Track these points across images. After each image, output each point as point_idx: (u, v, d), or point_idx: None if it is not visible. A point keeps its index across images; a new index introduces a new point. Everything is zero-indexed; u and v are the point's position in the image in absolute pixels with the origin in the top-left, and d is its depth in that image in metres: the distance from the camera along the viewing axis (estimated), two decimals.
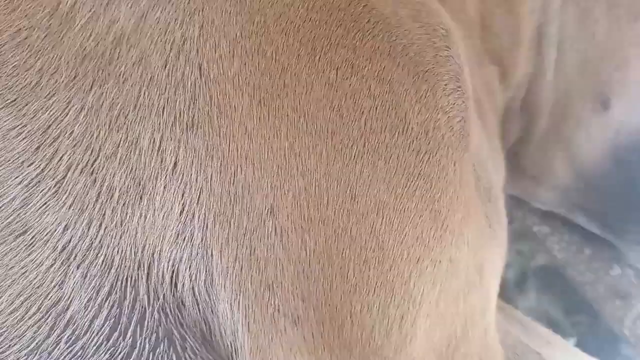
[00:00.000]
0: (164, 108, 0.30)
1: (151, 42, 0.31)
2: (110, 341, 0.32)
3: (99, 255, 0.30)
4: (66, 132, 0.30)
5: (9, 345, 0.31)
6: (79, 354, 0.32)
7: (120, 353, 0.32)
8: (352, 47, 0.33)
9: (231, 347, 0.31)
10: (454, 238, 0.34)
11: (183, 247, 0.30)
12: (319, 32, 0.33)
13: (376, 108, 0.32)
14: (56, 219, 0.30)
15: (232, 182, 0.29)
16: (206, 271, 0.30)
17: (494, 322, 0.41)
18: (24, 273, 0.30)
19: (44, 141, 0.30)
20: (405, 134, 0.32)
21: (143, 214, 0.30)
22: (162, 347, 0.32)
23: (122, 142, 0.30)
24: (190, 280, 0.30)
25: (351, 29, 0.33)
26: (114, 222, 0.30)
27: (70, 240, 0.30)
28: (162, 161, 0.30)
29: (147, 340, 0.32)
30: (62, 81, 0.30)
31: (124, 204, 0.30)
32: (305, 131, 0.30)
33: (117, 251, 0.30)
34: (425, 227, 0.33)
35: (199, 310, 0.31)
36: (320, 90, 0.31)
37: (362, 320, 0.31)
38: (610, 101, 0.54)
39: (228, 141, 0.30)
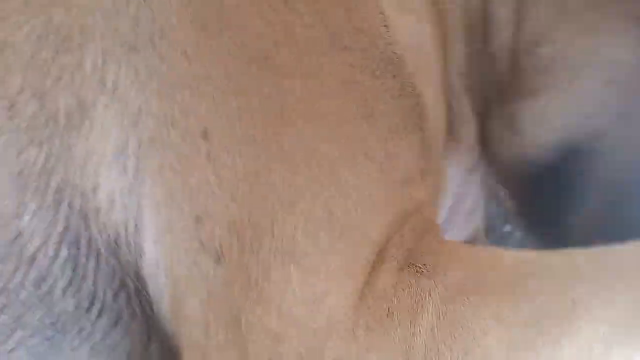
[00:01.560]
0: (107, 32, 0.31)
1: None
2: (74, 285, 0.31)
3: (50, 182, 0.30)
4: (17, 54, 0.31)
5: None
6: (47, 298, 0.31)
7: (85, 299, 0.31)
8: None
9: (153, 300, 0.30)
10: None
11: (118, 174, 0.29)
12: None
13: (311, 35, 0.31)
14: (11, 141, 0.30)
15: (169, 105, 0.29)
16: (137, 205, 0.29)
17: None
18: None
19: None
20: (336, 49, 0.32)
21: (86, 139, 0.30)
22: (121, 297, 0.30)
23: (67, 65, 0.30)
24: (125, 212, 0.30)
25: None
26: (62, 148, 0.30)
27: (25, 164, 0.30)
28: (103, 81, 0.30)
29: (108, 287, 0.30)
30: (14, 7, 0.32)
31: (69, 129, 0.30)
32: (241, 56, 0.30)
33: (67, 180, 0.30)
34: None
35: (131, 253, 0.30)
36: (259, 25, 0.31)
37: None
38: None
39: (167, 63, 0.30)
